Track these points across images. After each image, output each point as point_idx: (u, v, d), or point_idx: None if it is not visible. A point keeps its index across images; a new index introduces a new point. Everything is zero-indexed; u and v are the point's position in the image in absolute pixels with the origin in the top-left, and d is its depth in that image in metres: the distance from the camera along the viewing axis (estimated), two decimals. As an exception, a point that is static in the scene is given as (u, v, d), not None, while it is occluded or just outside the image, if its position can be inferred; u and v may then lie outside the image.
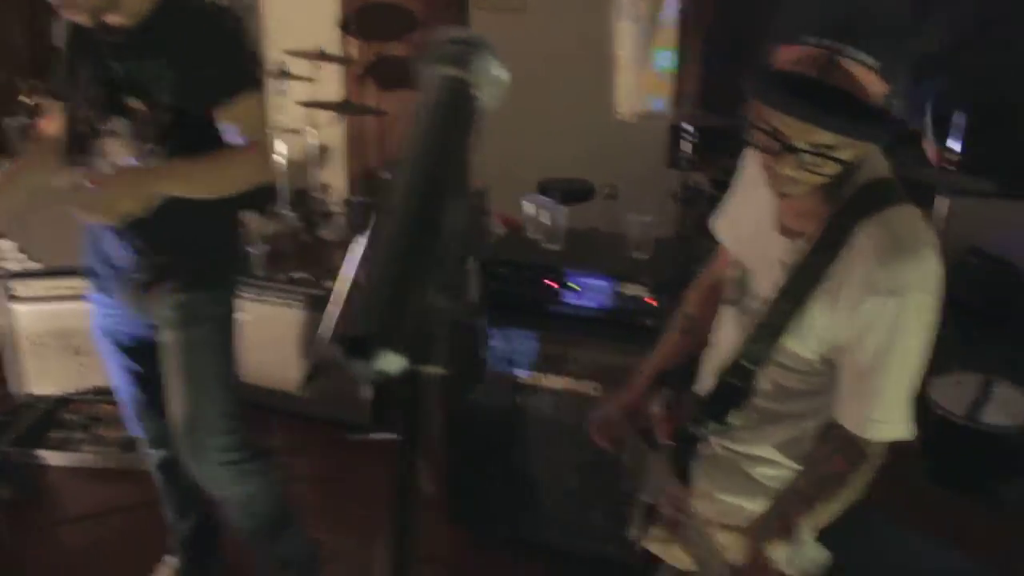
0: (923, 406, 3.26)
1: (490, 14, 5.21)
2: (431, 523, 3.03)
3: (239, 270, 2.44)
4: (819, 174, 1.33)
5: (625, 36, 4.96)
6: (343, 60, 5.35)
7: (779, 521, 1.44)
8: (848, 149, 1.30)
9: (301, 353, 3.64)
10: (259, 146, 2.04)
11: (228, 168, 2.02)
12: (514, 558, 2.96)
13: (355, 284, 3.33)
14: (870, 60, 1.23)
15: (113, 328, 2.33)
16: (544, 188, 4.31)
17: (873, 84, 1.25)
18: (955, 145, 3.67)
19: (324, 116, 5.21)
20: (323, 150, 5.62)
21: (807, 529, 1.41)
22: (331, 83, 5.42)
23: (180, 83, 1.97)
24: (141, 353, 2.33)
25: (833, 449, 1.47)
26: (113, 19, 1.97)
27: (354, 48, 5.58)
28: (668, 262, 2.78)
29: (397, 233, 0.78)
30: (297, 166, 5.55)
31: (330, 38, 5.43)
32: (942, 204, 3.65)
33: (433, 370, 0.78)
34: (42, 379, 3.72)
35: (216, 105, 1.99)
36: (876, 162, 1.43)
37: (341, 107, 5.05)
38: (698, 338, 1.79)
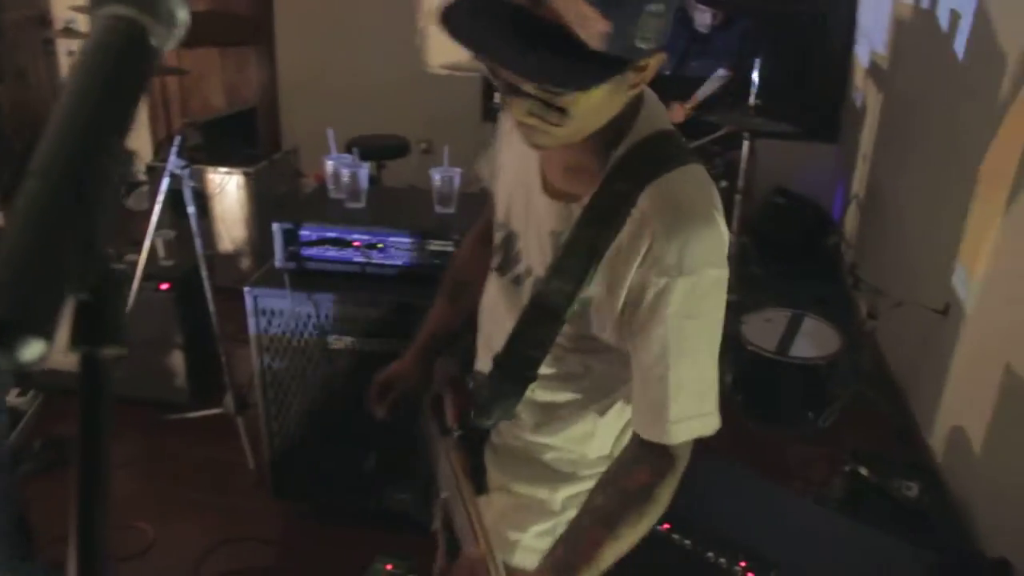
0: (736, 343, 3.38)
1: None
2: (258, 498, 2.96)
3: None
4: (555, 124, 1.12)
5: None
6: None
7: (575, 555, 1.22)
8: (579, 100, 1.10)
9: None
10: None
11: None
12: (339, 527, 2.93)
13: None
14: None
15: None
16: (353, 145, 4.18)
17: (590, 20, 1.01)
18: (753, 90, 3.77)
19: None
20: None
21: (608, 561, 1.22)
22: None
23: None
24: None
25: (634, 459, 1.28)
26: None
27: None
28: (474, 216, 2.72)
29: (39, 193, 0.65)
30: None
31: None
32: (744, 146, 3.74)
33: (111, 351, 0.67)
34: None
35: None
36: (654, 112, 1.26)
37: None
38: (470, 303, 1.61)
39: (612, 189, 1.20)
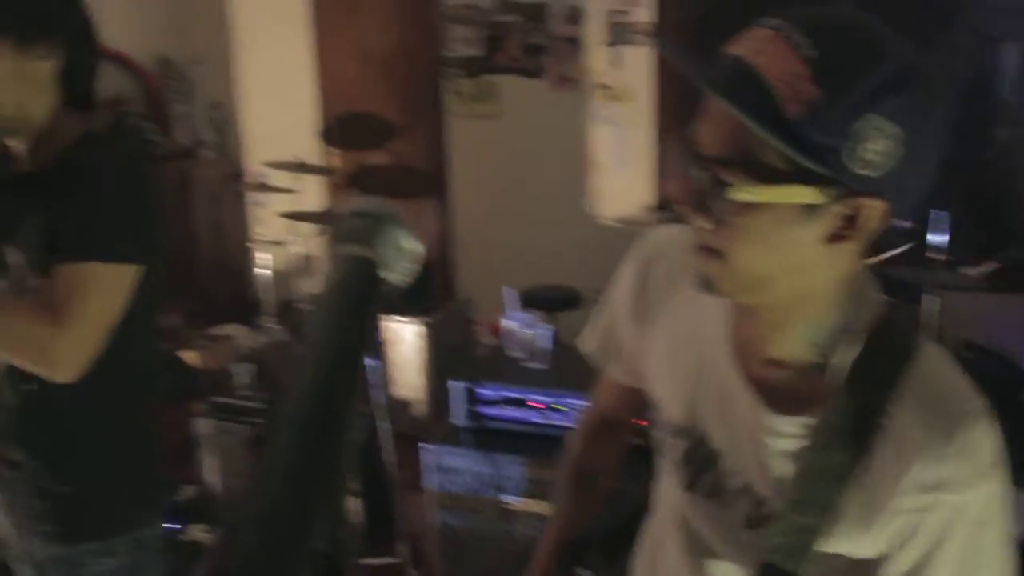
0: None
1: (467, 121, 5.24)
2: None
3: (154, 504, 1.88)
4: (745, 228, 0.91)
5: (601, 139, 4.97)
6: (323, 170, 5.35)
7: None
8: (747, 214, 0.90)
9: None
10: (55, 323, 1.49)
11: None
12: None
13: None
14: (805, 43, 0.85)
15: None
16: (528, 299, 4.26)
17: (797, 79, 0.85)
18: (941, 240, 3.64)
19: (307, 226, 5.19)
20: (307, 260, 5.58)
21: None
22: (313, 192, 5.41)
23: (56, 239, 1.57)
24: None
25: None
26: (16, 143, 1.67)
27: (334, 157, 5.58)
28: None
29: (288, 461, 0.68)
30: (281, 277, 5.52)
31: (310, 148, 5.45)
32: (932, 302, 3.60)
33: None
34: None
35: (63, 260, 1.55)
36: (864, 282, 1.03)
37: (323, 218, 5.03)
38: (599, 500, 1.46)
39: (852, 402, 0.98)
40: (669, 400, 1.17)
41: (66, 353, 1.50)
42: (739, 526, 1.10)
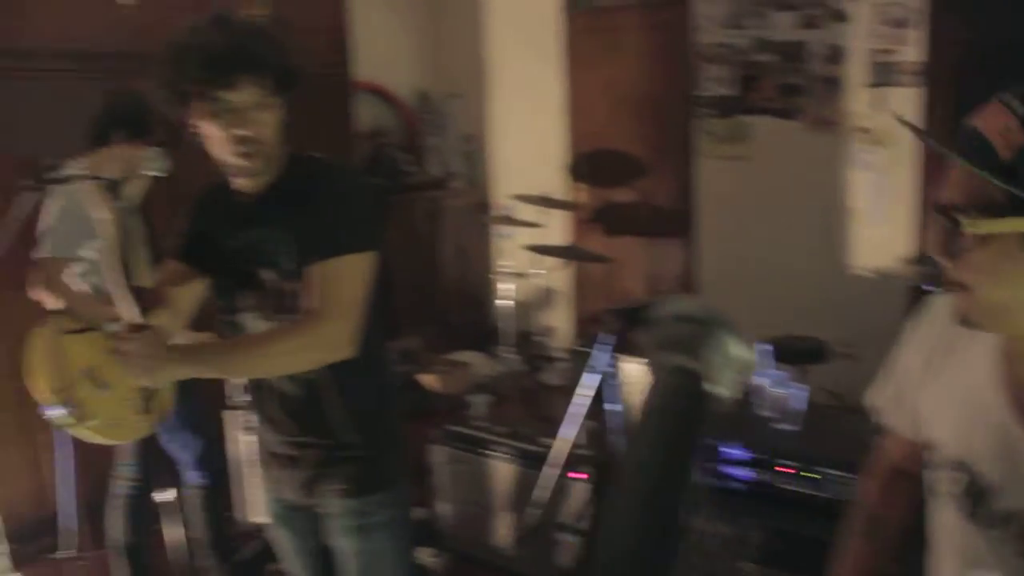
0: None
1: (717, 162, 5.13)
2: None
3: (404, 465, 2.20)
4: (979, 260, 1.07)
5: (860, 186, 4.72)
6: (569, 205, 5.41)
7: None
8: (980, 248, 1.06)
9: (512, 510, 3.56)
10: (325, 315, 1.78)
11: (278, 343, 1.83)
12: None
13: None
14: (1018, 105, 1.02)
15: (282, 511, 2.19)
16: (771, 346, 4.09)
17: (1011, 132, 1.01)
18: None
19: (550, 259, 5.26)
20: (548, 293, 5.66)
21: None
22: (558, 227, 5.48)
23: (299, 248, 1.85)
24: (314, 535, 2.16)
25: None
26: (243, 184, 1.92)
27: (581, 193, 5.64)
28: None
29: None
30: (522, 308, 5.62)
31: (557, 183, 5.54)
32: None
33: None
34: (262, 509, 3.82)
35: (310, 264, 1.82)
36: None
37: (566, 252, 5.08)
38: (884, 542, 1.50)
39: None
40: (947, 440, 1.27)
41: (339, 334, 1.79)
42: (1017, 554, 1.17)
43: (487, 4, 5.89)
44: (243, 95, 1.77)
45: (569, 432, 3.31)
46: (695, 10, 5.01)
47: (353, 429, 1.99)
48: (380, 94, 5.85)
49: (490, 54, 5.95)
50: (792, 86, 4.91)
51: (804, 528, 2.45)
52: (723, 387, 0.76)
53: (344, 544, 2.05)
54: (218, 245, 1.96)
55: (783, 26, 4.83)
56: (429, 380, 5.10)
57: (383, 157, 5.57)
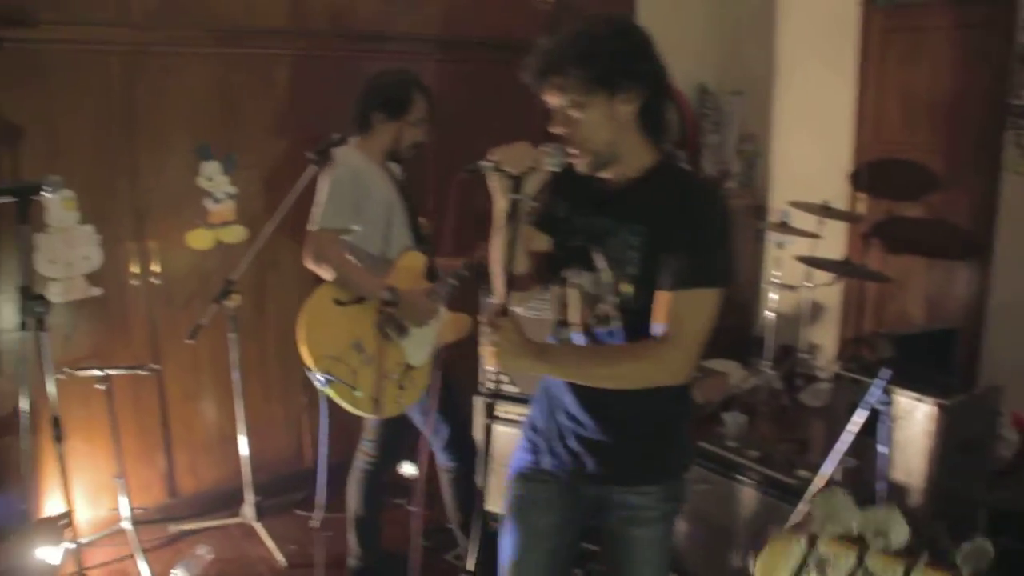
0: None
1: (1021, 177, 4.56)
2: None
3: (690, 461, 2.30)
4: None
5: None
6: (848, 216, 5.04)
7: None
8: None
9: (752, 540, 3.36)
10: (673, 345, 1.84)
11: (623, 363, 1.90)
12: None
13: None
14: None
15: (532, 497, 2.19)
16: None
17: None
18: None
19: (822, 273, 4.93)
20: (816, 309, 5.32)
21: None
22: (835, 239, 5.13)
23: (647, 256, 1.90)
24: (560, 528, 2.17)
25: None
26: (607, 173, 1.97)
27: (863, 205, 5.24)
28: None
29: None
30: (786, 321, 5.32)
31: (838, 192, 5.18)
32: None
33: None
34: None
35: (665, 289, 1.86)
36: None
37: (840, 267, 4.73)
38: None
39: None
40: None
41: (683, 365, 1.87)
42: None
43: (781, -1, 5.59)
44: (553, 96, 1.89)
45: (828, 468, 3.06)
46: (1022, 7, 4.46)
47: (653, 419, 2.03)
48: (661, 88, 5.73)
49: (779, 50, 5.65)
50: None
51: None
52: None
53: (617, 532, 2.10)
54: (566, 216, 2.07)
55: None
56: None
57: (667, 155, 5.44)
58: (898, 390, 3.87)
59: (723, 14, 5.87)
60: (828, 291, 5.22)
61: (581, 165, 1.94)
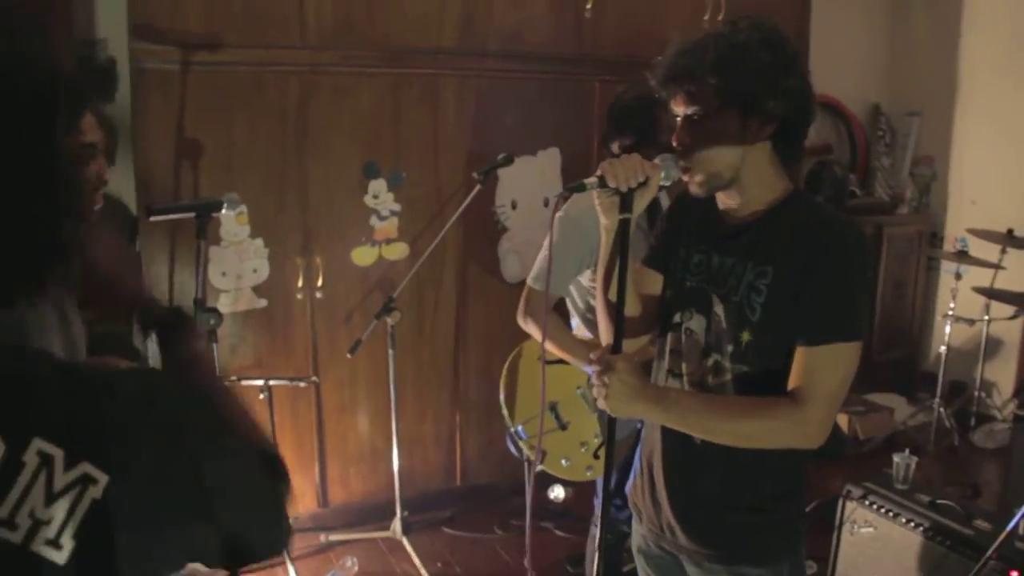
0: None
1: None
2: None
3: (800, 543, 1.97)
4: None
5: None
6: (1036, 246, 4.71)
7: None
8: None
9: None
10: (808, 404, 1.64)
11: (750, 420, 1.69)
12: None
13: None
14: None
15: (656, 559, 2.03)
16: None
17: None
18: None
19: (1002, 306, 4.62)
20: (993, 344, 4.99)
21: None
22: (1018, 269, 4.80)
23: (772, 302, 1.69)
24: None
25: None
26: (727, 202, 1.79)
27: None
28: None
29: None
30: (960, 356, 5.01)
31: (1022, 218, 4.84)
32: None
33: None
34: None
35: (800, 342, 1.67)
36: None
37: (1023, 300, 4.43)
38: None
39: None
40: None
41: (817, 427, 1.66)
42: None
43: (966, 10, 5.27)
44: (680, 105, 1.70)
45: (1015, 522, 2.82)
46: None
47: (753, 491, 1.83)
48: (831, 107, 5.50)
49: (961, 67, 5.33)
50: None
51: None
52: None
53: None
54: (682, 253, 1.88)
55: None
56: (843, 420, 4.72)
57: (827, 175, 5.21)
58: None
59: (900, 30, 5.59)
60: (1008, 325, 4.88)
61: (694, 185, 1.74)
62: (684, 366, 1.84)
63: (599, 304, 1.90)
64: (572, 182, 1.70)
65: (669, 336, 1.88)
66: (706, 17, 4.19)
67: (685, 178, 1.74)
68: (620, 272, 1.69)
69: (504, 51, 3.88)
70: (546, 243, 2.71)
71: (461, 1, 3.77)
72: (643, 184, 1.68)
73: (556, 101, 3.98)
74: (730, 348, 1.74)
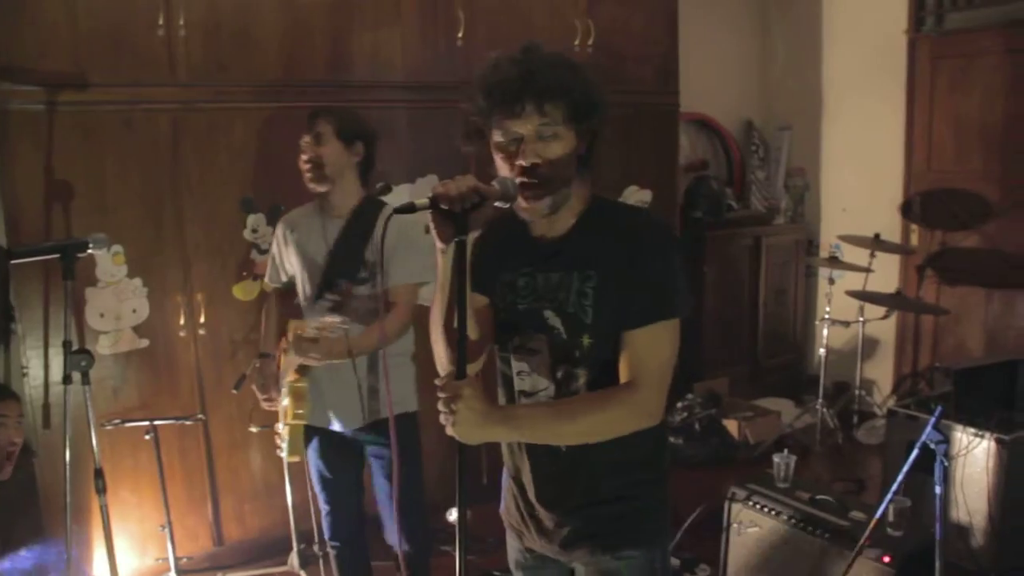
0: None
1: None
2: None
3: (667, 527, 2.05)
4: None
5: None
6: (901, 249, 4.94)
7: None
8: None
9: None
10: (639, 385, 1.71)
11: (593, 414, 1.73)
12: None
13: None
14: None
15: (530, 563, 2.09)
16: None
17: None
18: None
19: (875, 308, 4.83)
20: (870, 344, 5.21)
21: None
22: (888, 272, 5.03)
23: (600, 303, 1.75)
24: None
25: None
26: (540, 226, 1.83)
27: (915, 236, 5.13)
28: None
29: None
30: (840, 358, 5.22)
31: (890, 224, 5.08)
32: None
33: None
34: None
35: (624, 330, 1.73)
36: None
37: (893, 300, 4.65)
38: None
39: None
40: None
41: (652, 405, 1.75)
42: None
43: (825, 30, 5.55)
44: (527, 124, 1.68)
45: (881, 510, 2.95)
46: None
47: (622, 481, 1.89)
48: (705, 124, 5.70)
49: (826, 83, 5.60)
50: None
51: None
52: None
53: None
54: (506, 279, 1.88)
55: None
56: (733, 426, 4.87)
57: (705, 190, 5.40)
58: (957, 426, 3.76)
59: (767, 49, 5.85)
60: (882, 326, 5.10)
61: (539, 206, 1.74)
62: (537, 383, 1.86)
63: (436, 330, 1.86)
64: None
65: (512, 360, 1.89)
66: (576, 42, 4.32)
67: (526, 202, 1.73)
68: (459, 295, 1.66)
69: (377, 81, 3.93)
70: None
71: (332, 34, 3.81)
72: (478, 205, 1.63)
73: (432, 129, 4.03)
74: (576, 354, 1.78)
